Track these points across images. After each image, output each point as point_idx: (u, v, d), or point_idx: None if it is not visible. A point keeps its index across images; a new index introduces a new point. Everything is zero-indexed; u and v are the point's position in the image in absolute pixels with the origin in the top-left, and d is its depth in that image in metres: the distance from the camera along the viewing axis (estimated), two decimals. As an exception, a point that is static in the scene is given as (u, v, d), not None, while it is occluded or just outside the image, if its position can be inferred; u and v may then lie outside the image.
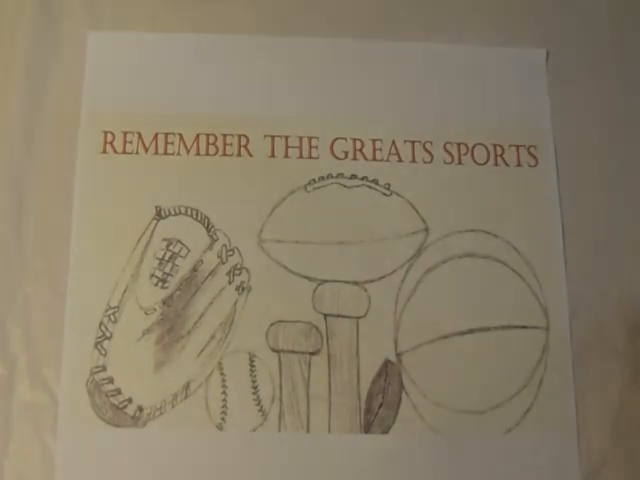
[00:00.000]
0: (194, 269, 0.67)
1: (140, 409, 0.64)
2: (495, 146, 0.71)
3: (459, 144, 0.71)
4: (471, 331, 0.67)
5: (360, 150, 0.70)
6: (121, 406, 0.64)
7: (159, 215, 0.68)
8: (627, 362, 0.68)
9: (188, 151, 0.70)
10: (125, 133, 0.70)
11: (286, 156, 0.70)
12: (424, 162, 0.71)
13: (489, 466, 0.65)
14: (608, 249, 0.70)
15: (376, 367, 0.66)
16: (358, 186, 0.70)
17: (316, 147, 0.70)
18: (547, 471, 0.65)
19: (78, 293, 0.66)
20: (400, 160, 0.71)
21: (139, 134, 0.70)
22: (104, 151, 0.69)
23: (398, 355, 0.66)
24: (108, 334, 0.65)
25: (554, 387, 0.67)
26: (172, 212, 0.68)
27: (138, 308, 0.66)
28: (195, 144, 0.70)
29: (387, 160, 0.70)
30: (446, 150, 0.71)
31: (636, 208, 0.71)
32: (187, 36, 0.72)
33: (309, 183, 0.69)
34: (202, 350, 0.66)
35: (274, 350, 0.66)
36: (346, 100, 0.71)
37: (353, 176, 0.70)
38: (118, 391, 0.65)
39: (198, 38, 0.72)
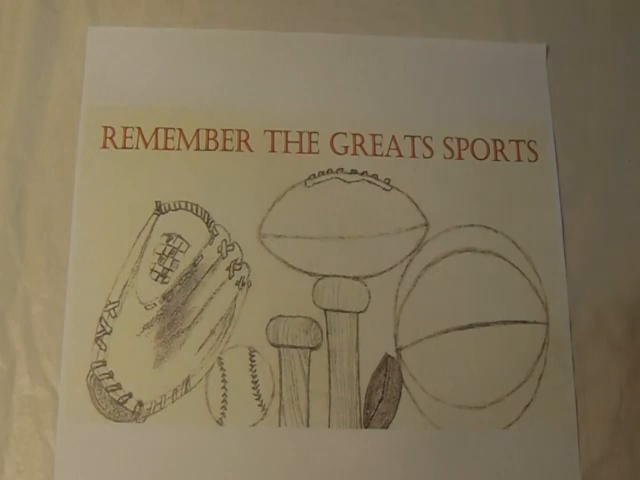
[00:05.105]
0: (194, 264, 0.67)
1: (140, 404, 0.64)
2: (495, 141, 0.71)
3: (459, 139, 0.71)
4: (471, 326, 0.67)
5: (360, 145, 0.70)
6: (121, 401, 0.64)
7: (159, 210, 0.68)
8: (627, 357, 0.68)
9: (188, 146, 0.70)
10: (125, 128, 0.70)
11: (286, 151, 0.70)
12: (424, 157, 0.71)
13: (489, 461, 0.65)
14: (608, 244, 0.70)
15: (376, 362, 0.66)
16: (358, 181, 0.70)
17: (316, 142, 0.70)
18: (547, 466, 0.65)
19: (78, 288, 0.66)
20: (400, 155, 0.71)
21: (139, 129, 0.70)
22: (104, 146, 0.69)
23: (398, 350, 0.67)
24: (108, 329, 0.65)
25: (554, 382, 0.67)
26: (172, 207, 0.68)
27: (138, 303, 0.66)
28: (195, 139, 0.70)
29: (387, 155, 0.70)
30: (446, 145, 0.71)
31: (636, 202, 0.71)
32: (187, 31, 0.72)
33: (309, 178, 0.69)
34: (202, 345, 0.66)
35: (274, 345, 0.66)
36: (346, 95, 0.71)
37: (353, 171, 0.70)
38: (118, 386, 0.65)
39: (198, 33, 0.72)
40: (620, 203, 0.71)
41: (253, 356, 0.66)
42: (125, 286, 0.66)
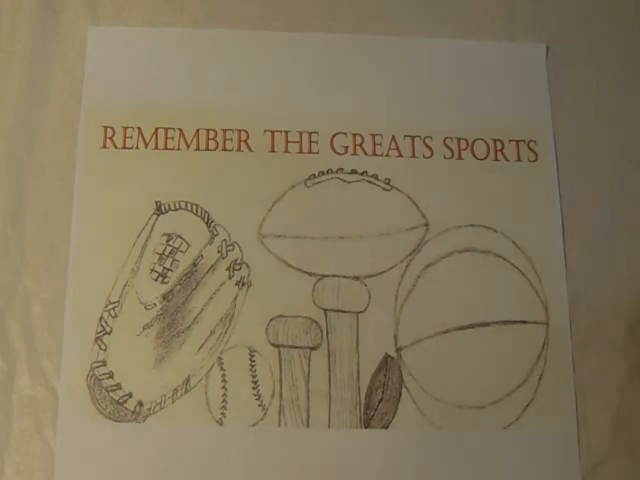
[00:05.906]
0: (194, 264, 0.67)
1: (140, 404, 0.64)
2: (495, 141, 0.71)
3: (459, 139, 0.71)
4: (471, 326, 0.67)
5: (360, 145, 0.71)
6: (121, 401, 0.64)
7: (159, 210, 0.68)
8: (627, 357, 0.68)
9: (188, 146, 0.70)
10: (125, 128, 0.70)
11: (286, 151, 0.70)
12: (424, 157, 0.71)
13: (489, 461, 0.65)
14: (608, 244, 0.70)
15: (376, 362, 0.66)
16: (358, 181, 0.70)
17: (316, 142, 0.70)
18: (547, 466, 0.65)
19: (78, 288, 0.66)
20: (400, 155, 0.71)
21: (139, 129, 0.70)
22: (104, 146, 0.69)
23: (398, 350, 0.67)
24: (108, 329, 0.65)
25: (554, 382, 0.67)
26: (172, 207, 0.68)
27: (138, 303, 0.66)
28: (195, 139, 0.70)
29: (387, 155, 0.70)
30: (446, 145, 0.71)
31: (636, 202, 0.71)
32: (187, 31, 0.72)
33: (309, 178, 0.69)
34: (202, 345, 0.66)
35: (274, 345, 0.66)
36: (346, 95, 0.71)
37: (353, 171, 0.70)
38: (118, 386, 0.65)
39: (198, 33, 0.72)
40: (620, 203, 0.71)
41: (253, 356, 0.66)
42: (125, 286, 0.66)
